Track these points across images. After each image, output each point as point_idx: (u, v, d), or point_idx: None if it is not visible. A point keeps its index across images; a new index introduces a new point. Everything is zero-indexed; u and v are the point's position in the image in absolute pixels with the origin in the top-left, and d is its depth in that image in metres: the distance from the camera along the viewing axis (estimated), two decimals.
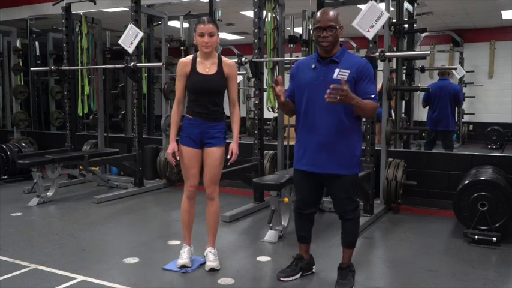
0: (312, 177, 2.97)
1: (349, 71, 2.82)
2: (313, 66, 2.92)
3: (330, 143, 2.85)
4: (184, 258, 3.33)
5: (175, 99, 3.33)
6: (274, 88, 2.88)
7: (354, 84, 2.81)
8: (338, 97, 2.60)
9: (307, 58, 3.13)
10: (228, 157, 3.27)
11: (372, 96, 2.82)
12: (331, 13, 2.86)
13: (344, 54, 2.90)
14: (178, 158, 3.28)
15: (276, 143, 5.62)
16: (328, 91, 2.62)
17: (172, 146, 3.28)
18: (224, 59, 3.30)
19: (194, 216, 3.44)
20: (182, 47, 6.80)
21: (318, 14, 2.90)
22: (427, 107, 7.06)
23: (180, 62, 3.28)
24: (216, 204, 3.36)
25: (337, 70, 2.84)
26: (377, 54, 4.39)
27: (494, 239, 3.81)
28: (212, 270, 3.26)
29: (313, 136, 2.89)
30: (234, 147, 3.28)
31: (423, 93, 7.10)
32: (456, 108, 7.23)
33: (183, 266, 3.29)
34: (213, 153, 3.27)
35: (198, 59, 3.25)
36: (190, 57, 3.30)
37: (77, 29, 6.98)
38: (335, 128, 2.83)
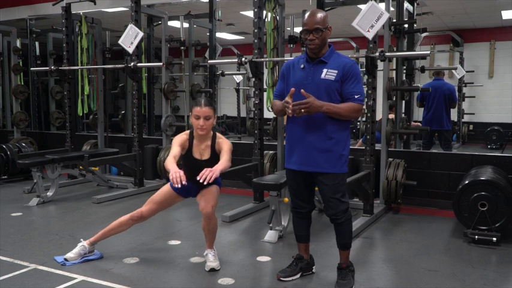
0: (302, 175, 2.98)
1: (336, 71, 2.85)
2: (302, 66, 2.94)
3: (318, 141, 2.86)
4: (73, 251, 3.43)
5: (170, 154, 3.14)
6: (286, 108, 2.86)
7: (340, 84, 2.84)
8: (302, 110, 2.69)
9: (296, 58, 3.14)
10: (203, 172, 2.94)
11: (356, 96, 2.84)
12: (318, 15, 2.86)
13: (332, 54, 2.92)
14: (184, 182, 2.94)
15: (276, 143, 5.62)
16: (291, 109, 2.71)
17: (175, 169, 2.98)
18: (218, 139, 3.25)
19: (118, 233, 3.52)
20: (182, 47, 6.81)
21: (305, 16, 2.91)
22: (423, 107, 7.07)
23: (179, 136, 3.26)
24: (214, 222, 3.30)
25: (325, 70, 2.86)
26: (377, 54, 4.39)
27: (494, 239, 3.81)
28: (212, 270, 3.26)
29: (301, 135, 2.91)
30: (213, 168, 2.98)
31: (418, 93, 7.11)
32: (451, 108, 7.25)
33: (65, 259, 3.40)
34: (207, 188, 3.26)
35: (194, 141, 3.25)
36: (187, 135, 3.26)
37: (77, 29, 6.98)
38: (323, 127, 2.85)
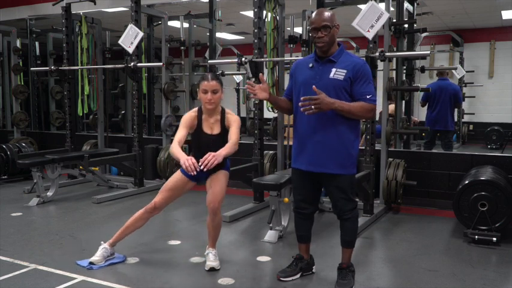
0: (309, 176, 2.97)
1: (345, 71, 2.82)
2: (310, 65, 2.93)
3: (326, 142, 2.85)
4: (97, 255, 3.38)
5: (175, 138, 3.17)
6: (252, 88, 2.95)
7: (350, 84, 2.82)
8: (313, 107, 2.65)
9: (305, 57, 3.14)
10: (206, 157, 2.95)
11: (368, 97, 2.82)
12: (326, 13, 2.88)
13: (342, 54, 2.90)
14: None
15: (276, 143, 5.62)
16: (300, 103, 2.69)
17: (186, 157, 2.97)
18: (227, 114, 3.26)
19: (136, 229, 3.46)
20: (182, 47, 6.81)
21: (313, 15, 2.93)
22: (426, 107, 7.07)
23: (188, 115, 3.25)
24: (219, 218, 3.31)
25: (333, 70, 2.84)
26: (377, 54, 4.39)
27: (494, 239, 3.81)
28: (212, 270, 3.27)
29: (309, 135, 2.89)
30: (216, 153, 2.98)
31: (422, 92, 7.11)
32: (455, 109, 7.23)
33: (90, 263, 3.33)
34: (216, 173, 3.25)
35: (203, 116, 3.25)
36: (195, 112, 3.27)
37: (77, 29, 6.98)
38: (331, 127, 2.83)
